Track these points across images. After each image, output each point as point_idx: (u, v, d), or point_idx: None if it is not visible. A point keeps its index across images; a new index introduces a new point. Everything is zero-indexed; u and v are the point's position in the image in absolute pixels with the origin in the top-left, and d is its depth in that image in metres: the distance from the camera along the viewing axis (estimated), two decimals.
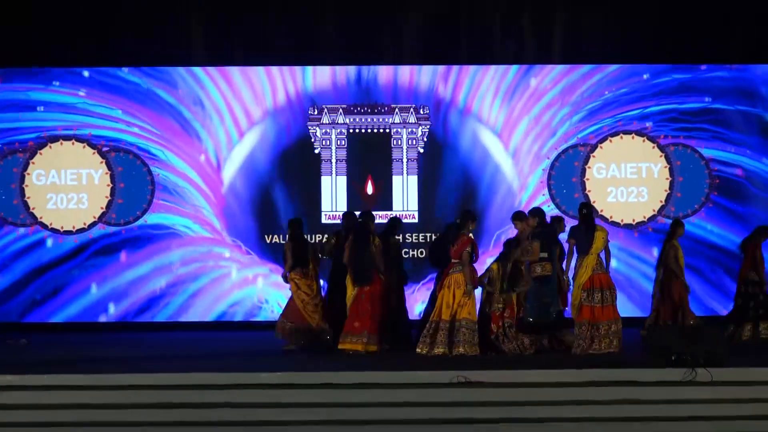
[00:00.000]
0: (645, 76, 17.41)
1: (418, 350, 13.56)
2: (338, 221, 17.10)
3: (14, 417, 11.09)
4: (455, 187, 17.33)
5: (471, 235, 13.71)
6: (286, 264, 14.34)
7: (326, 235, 15.96)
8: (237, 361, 13.09)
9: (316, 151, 17.33)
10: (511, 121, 17.39)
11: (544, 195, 17.34)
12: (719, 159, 17.39)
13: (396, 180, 17.36)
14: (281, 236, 17.18)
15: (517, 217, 14.19)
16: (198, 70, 17.29)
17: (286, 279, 14.44)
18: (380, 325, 13.94)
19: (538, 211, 14.19)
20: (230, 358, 13.34)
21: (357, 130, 17.37)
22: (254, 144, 17.31)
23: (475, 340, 13.45)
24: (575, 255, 13.88)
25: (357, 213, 14.78)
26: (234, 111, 17.29)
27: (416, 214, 17.22)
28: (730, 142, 17.37)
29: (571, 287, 13.95)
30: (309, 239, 15.80)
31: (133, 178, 17.29)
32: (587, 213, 14.11)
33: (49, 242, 17.17)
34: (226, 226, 17.28)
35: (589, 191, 17.44)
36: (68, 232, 17.22)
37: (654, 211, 17.46)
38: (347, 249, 13.95)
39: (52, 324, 17.06)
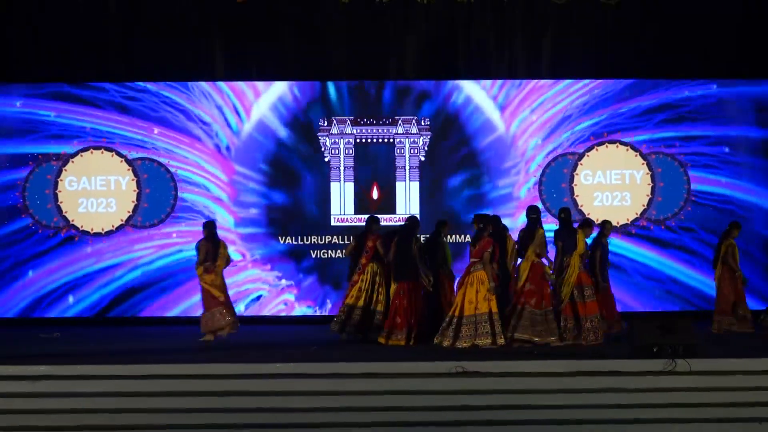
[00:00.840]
0: (626, 93, 17.46)
1: (443, 343, 13.56)
2: (347, 224, 17.20)
3: (49, 405, 11.13)
4: (454, 192, 17.35)
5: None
6: (198, 260, 14.42)
7: (352, 237, 15.94)
8: (250, 353, 13.07)
9: (326, 159, 17.36)
10: (505, 130, 17.38)
11: (535, 200, 17.34)
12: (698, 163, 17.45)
13: (399, 186, 17.38)
14: (294, 238, 17.23)
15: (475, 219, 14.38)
16: (221, 84, 17.31)
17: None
18: (420, 319, 14.09)
19: (482, 217, 14.20)
20: (241, 350, 13.32)
21: (363, 140, 17.38)
22: (268, 152, 17.32)
23: (498, 331, 13.49)
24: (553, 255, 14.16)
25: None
26: (249, 122, 17.30)
27: (418, 217, 17.17)
28: (707, 155, 17.41)
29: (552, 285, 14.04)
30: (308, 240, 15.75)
31: (157, 184, 17.31)
32: (565, 217, 14.29)
33: (79, 242, 17.20)
34: (242, 231, 17.32)
35: (577, 196, 17.46)
36: (98, 234, 17.25)
37: (637, 214, 17.47)
38: (392, 248, 14.12)
39: (83, 318, 17.11)
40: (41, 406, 11.12)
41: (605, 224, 15.17)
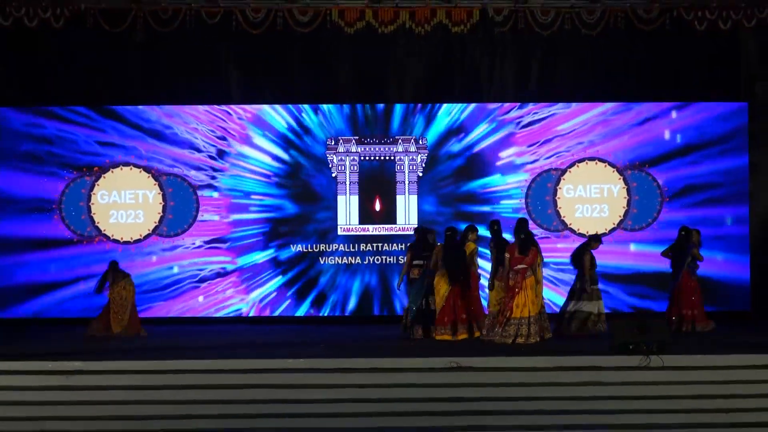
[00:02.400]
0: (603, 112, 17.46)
1: (495, 339, 13.73)
2: (352, 233, 17.19)
3: (82, 397, 11.12)
4: (448, 204, 17.34)
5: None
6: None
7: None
8: (264, 349, 13.07)
9: (333, 175, 17.34)
10: (497, 148, 17.38)
11: (522, 211, 17.33)
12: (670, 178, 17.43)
13: (399, 199, 17.37)
14: (304, 246, 17.23)
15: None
16: (237, 108, 17.31)
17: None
18: (468, 316, 14.30)
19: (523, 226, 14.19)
20: (257, 348, 13.31)
21: (367, 158, 17.37)
22: (281, 168, 17.32)
23: (547, 326, 13.93)
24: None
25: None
26: (264, 142, 17.30)
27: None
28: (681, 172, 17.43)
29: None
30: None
31: (180, 197, 17.30)
32: (498, 229, 14.51)
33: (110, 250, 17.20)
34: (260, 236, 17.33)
35: (560, 208, 17.42)
36: (127, 243, 17.23)
37: (614, 224, 17.43)
38: (439, 255, 14.29)
39: None
40: (75, 399, 11.11)
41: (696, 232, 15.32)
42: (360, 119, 17.40)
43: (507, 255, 13.93)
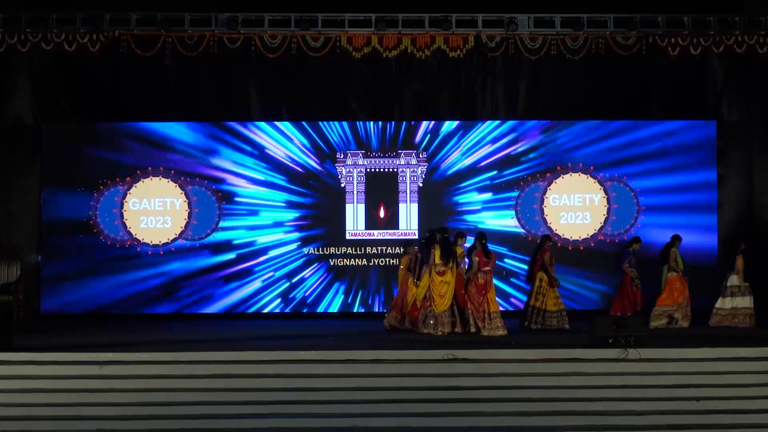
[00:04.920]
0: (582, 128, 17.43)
1: (488, 334, 13.83)
2: (359, 237, 17.14)
3: (114, 385, 11.10)
4: (445, 212, 17.29)
5: None
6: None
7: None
8: (277, 342, 13.01)
9: (342, 185, 17.31)
10: (490, 160, 17.35)
11: (512, 218, 17.30)
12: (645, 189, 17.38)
13: (402, 207, 17.33)
14: (316, 248, 17.19)
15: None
16: (261, 124, 17.29)
17: None
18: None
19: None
20: (269, 341, 13.26)
21: (373, 170, 17.34)
22: (293, 179, 17.28)
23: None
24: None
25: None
26: (279, 155, 17.28)
27: (416, 233, 17.16)
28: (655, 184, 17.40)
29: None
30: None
31: (204, 205, 17.27)
32: (447, 236, 14.40)
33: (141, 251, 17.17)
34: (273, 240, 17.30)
35: (546, 215, 17.37)
36: (156, 245, 17.19)
37: (595, 230, 17.37)
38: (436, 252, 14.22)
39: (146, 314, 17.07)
40: (108, 386, 11.08)
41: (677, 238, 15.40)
42: (367, 135, 17.37)
43: (476, 258, 14.10)
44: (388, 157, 17.34)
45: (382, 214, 17.33)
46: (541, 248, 15.12)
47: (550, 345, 12.18)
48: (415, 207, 17.32)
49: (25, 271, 15.65)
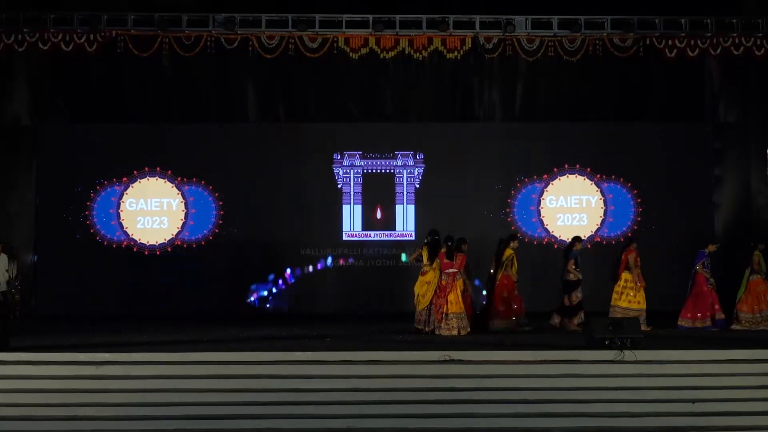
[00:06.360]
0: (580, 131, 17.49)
1: (443, 333, 13.80)
2: (355, 238, 17.15)
3: (110, 385, 11.09)
4: (442, 213, 17.30)
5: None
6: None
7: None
8: (274, 343, 13.01)
9: (339, 186, 17.33)
10: (486, 162, 17.38)
11: (509, 219, 17.33)
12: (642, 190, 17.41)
13: (398, 208, 17.35)
14: (313, 249, 17.20)
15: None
16: (256, 126, 17.32)
17: None
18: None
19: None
20: (266, 341, 13.25)
21: (370, 171, 17.35)
22: (292, 180, 17.29)
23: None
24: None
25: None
26: (276, 156, 17.30)
27: (413, 234, 17.19)
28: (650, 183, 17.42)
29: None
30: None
31: (201, 205, 17.28)
32: (439, 239, 14.23)
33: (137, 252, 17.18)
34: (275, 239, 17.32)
35: (543, 216, 17.41)
36: (152, 246, 17.20)
37: (592, 232, 17.42)
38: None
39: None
40: (104, 387, 11.08)
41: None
42: (364, 136, 17.38)
43: (437, 261, 14.04)
44: (385, 158, 17.35)
45: (378, 215, 17.34)
46: (626, 249, 14.91)
47: (546, 346, 12.18)
48: (412, 208, 17.33)
49: (21, 271, 15.64)
